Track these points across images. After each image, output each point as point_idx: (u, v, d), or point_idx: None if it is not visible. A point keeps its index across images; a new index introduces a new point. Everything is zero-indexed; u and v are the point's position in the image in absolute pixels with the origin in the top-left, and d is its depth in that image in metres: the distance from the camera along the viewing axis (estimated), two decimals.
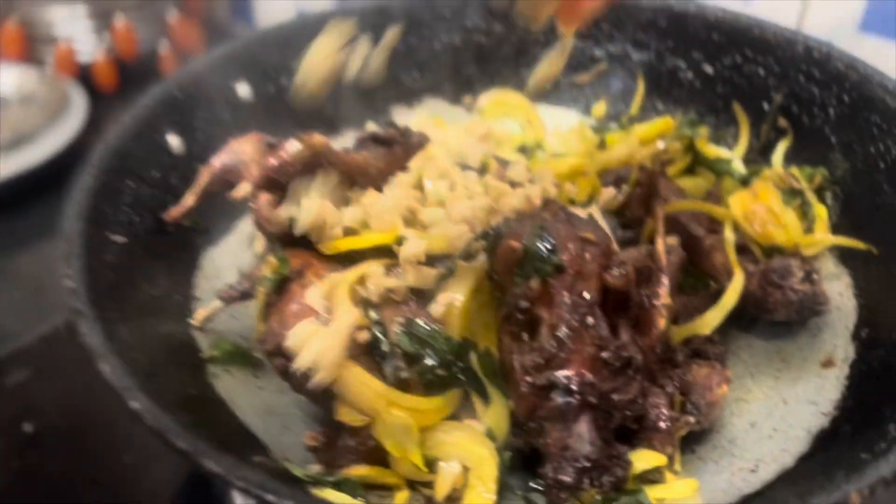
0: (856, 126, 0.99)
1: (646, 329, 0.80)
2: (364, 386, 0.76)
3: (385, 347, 0.79)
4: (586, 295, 0.75)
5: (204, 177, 0.97)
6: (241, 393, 0.88)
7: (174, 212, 0.96)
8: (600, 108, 1.26)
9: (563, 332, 0.73)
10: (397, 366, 0.79)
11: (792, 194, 1.00)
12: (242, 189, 0.89)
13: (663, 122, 1.16)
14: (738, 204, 0.99)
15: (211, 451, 0.61)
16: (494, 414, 0.80)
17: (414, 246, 0.81)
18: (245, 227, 1.07)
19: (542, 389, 0.73)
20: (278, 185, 0.89)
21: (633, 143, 1.12)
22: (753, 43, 1.12)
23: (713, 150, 1.11)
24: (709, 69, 1.17)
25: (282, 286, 0.85)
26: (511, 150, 1.14)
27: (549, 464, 0.73)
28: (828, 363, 0.88)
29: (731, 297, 0.89)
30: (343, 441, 0.79)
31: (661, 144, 1.11)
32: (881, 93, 0.97)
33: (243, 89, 1.11)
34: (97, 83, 1.82)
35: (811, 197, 1.00)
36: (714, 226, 0.98)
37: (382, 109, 1.24)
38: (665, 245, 0.84)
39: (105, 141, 0.94)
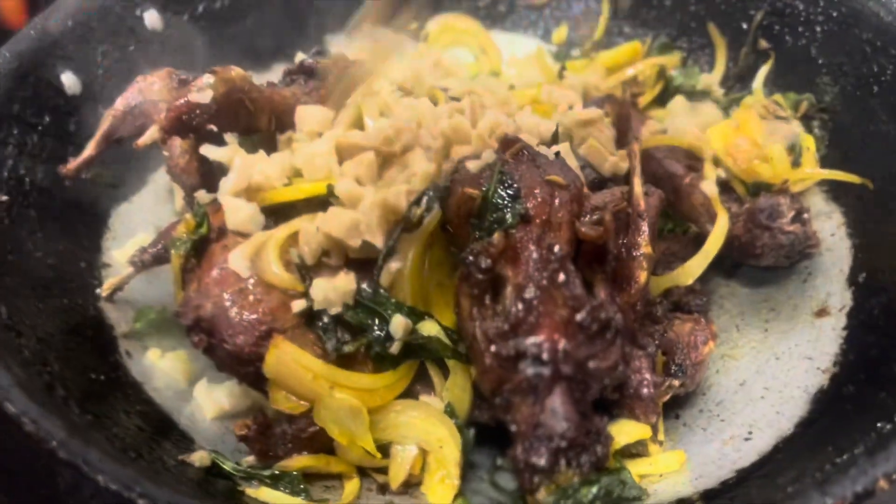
0: (846, 45, 0.89)
1: (625, 284, 0.70)
2: (300, 366, 0.65)
3: (325, 319, 0.68)
4: (556, 248, 0.64)
5: (106, 121, 0.82)
6: (160, 373, 0.76)
7: (73, 164, 0.81)
8: (561, 33, 1.14)
9: (530, 292, 0.62)
10: (340, 339, 0.68)
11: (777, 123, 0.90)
12: (149, 134, 0.75)
13: (631, 48, 1.04)
14: (720, 137, 0.89)
15: (106, 461, 0.49)
16: (454, 388, 0.69)
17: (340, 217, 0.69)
18: (161, 178, 0.93)
19: (509, 360, 0.62)
20: (192, 127, 0.75)
21: (598, 70, 1.01)
22: None
23: (688, 77, 1.00)
24: None
25: (200, 248, 0.72)
26: (463, 80, 1.01)
27: (520, 444, 0.63)
28: (822, 312, 0.79)
29: (714, 241, 0.79)
30: (280, 428, 0.68)
31: (630, 72, 1.00)
32: (874, 6, 0.86)
33: (151, 17, 0.95)
34: (4, 18, 1.62)
35: (798, 126, 0.90)
36: (693, 162, 0.88)
37: (316, 38, 1.09)
38: (643, 186, 0.73)
39: None
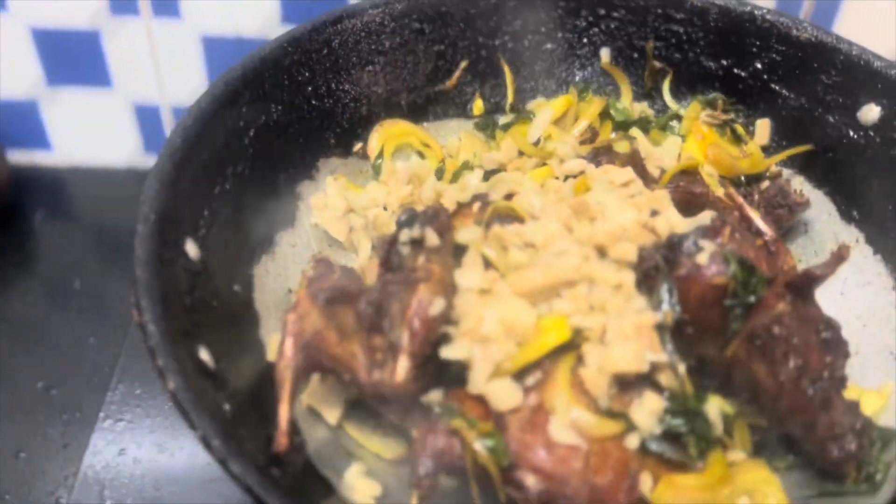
0: (733, 52, 1.14)
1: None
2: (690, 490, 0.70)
3: (654, 443, 0.73)
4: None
5: (286, 377, 0.72)
6: None
7: (282, 438, 0.71)
8: (478, 105, 1.21)
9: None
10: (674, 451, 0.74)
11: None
12: (404, 368, 0.70)
13: (564, 99, 1.17)
14: (696, 151, 1.08)
15: None
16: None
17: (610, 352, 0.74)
18: None
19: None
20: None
21: (551, 131, 1.12)
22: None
23: (628, 109, 1.16)
24: (566, 36, 1.20)
25: None
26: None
27: (834, 444, 0.77)
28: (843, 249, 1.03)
29: None
30: None
31: (579, 129, 1.13)
32: (751, 12, 1.11)
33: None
34: None
35: (736, 123, 1.13)
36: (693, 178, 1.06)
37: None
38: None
39: None
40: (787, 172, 1.11)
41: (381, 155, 1.13)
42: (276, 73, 0.99)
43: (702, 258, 0.76)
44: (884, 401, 0.86)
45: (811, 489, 0.80)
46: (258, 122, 0.97)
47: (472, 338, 0.73)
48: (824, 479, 0.80)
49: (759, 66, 1.13)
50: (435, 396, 0.75)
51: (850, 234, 1.05)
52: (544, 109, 1.13)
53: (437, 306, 0.73)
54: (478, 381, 0.72)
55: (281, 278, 0.96)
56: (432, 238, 0.80)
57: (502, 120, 1.19)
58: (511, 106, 1.21)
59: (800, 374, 0.75)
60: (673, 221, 0.85)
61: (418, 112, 1.18)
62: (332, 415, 0.83)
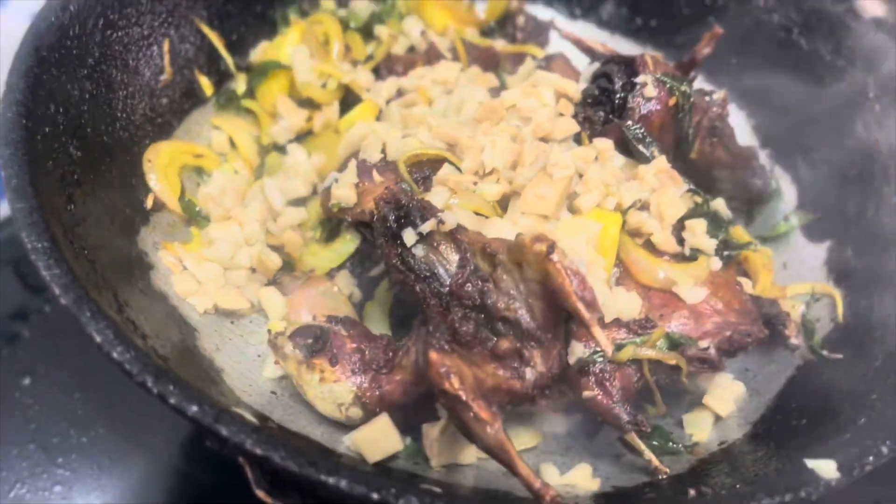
0: None
1: None
2: None
3: None
4: None
5: (501, 440, 0.62)
6: None
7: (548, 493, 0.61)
8: (205, 84, 1.00)
9: None
10: None
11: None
12: None
13: (296, 29, 1.03)
14: (441, 18, 1.09)
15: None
16: None
17: None
18: None
19: None
20: None
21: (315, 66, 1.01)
22: None
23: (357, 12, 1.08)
24: None
25: None
26: None
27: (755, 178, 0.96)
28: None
29: None
30: None
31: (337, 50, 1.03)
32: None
33: None
34: None
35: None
36: None
37: None
38: None
39: None
40: None
41: (182, 195, 0.88)
42: None
43: (648, 91, 0.82)
44: None
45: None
46: None
47: None
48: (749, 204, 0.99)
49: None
50: (576, 350, 0.72)
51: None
52: (298, 49, 0.99)
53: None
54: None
55: None
56: (441, 224, 0.71)
57: (239, 87, 1.01)
58: (236, 65, 1.02)
59: (734, 142, 0.90)
60: (561, 85, 0.88)
61: (161, 128, 0.92)
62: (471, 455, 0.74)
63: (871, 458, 0.57)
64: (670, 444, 0.75)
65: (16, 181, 0.65)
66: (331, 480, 0.52)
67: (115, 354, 0.55)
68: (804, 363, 0.82)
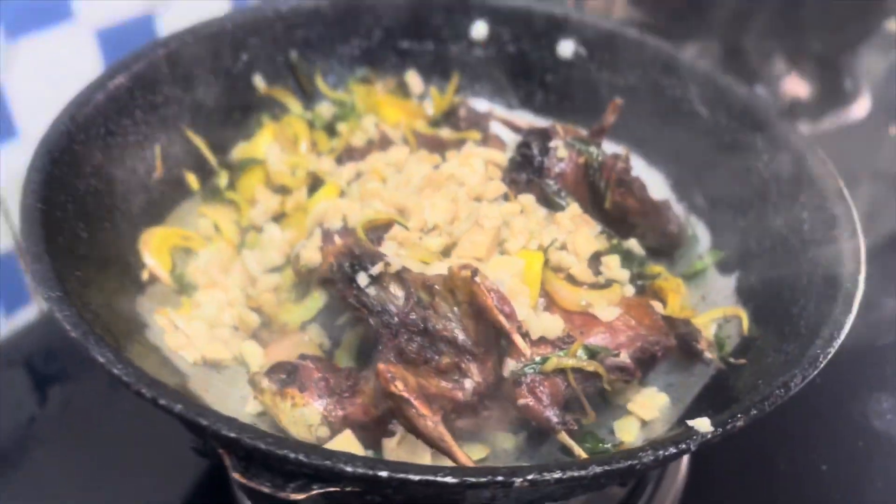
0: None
1: None
2: None
3: None
4: None
5: (441, 433, 0.74)
6: None
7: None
8: (192, 180, 1.16)
9: None
10: None
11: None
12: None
13: (267, 130, 1.21)
14: (392, 115, 1.26)
15: None
16: None
17: None
18: None
19: None
20: None
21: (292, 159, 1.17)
22: None
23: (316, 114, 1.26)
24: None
25: None
26: None
27: (671, 224, 1.11)
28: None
29: None
30: None
31: (304, 144, 1.21)
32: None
33: None
34: None
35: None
36: None
37: None
38: None
39: None
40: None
41: (174, 270, 1.03)
42: None
43: (560, 152, 0.98)
44: None
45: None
46: None
47: None
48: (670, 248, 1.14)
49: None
50: (510, 365, 0.84)
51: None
52: (271, 146, 1.16)
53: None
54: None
55: None
56: (388, 266, 0.85)
57: (221, 181, 1.17)
58: (218, 163, 1.18)
59: (645, 192, 1.05)
60: (491, 155, 1.04)
61: (155, 216, 1.08)
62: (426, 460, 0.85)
63: (739, 415, 0.70)
64: (600, 444, 0.87)
65: (34, 249, 0.80)
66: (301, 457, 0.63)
67: (115, 370, 0.68)
68: (716, 372, 0.94)
